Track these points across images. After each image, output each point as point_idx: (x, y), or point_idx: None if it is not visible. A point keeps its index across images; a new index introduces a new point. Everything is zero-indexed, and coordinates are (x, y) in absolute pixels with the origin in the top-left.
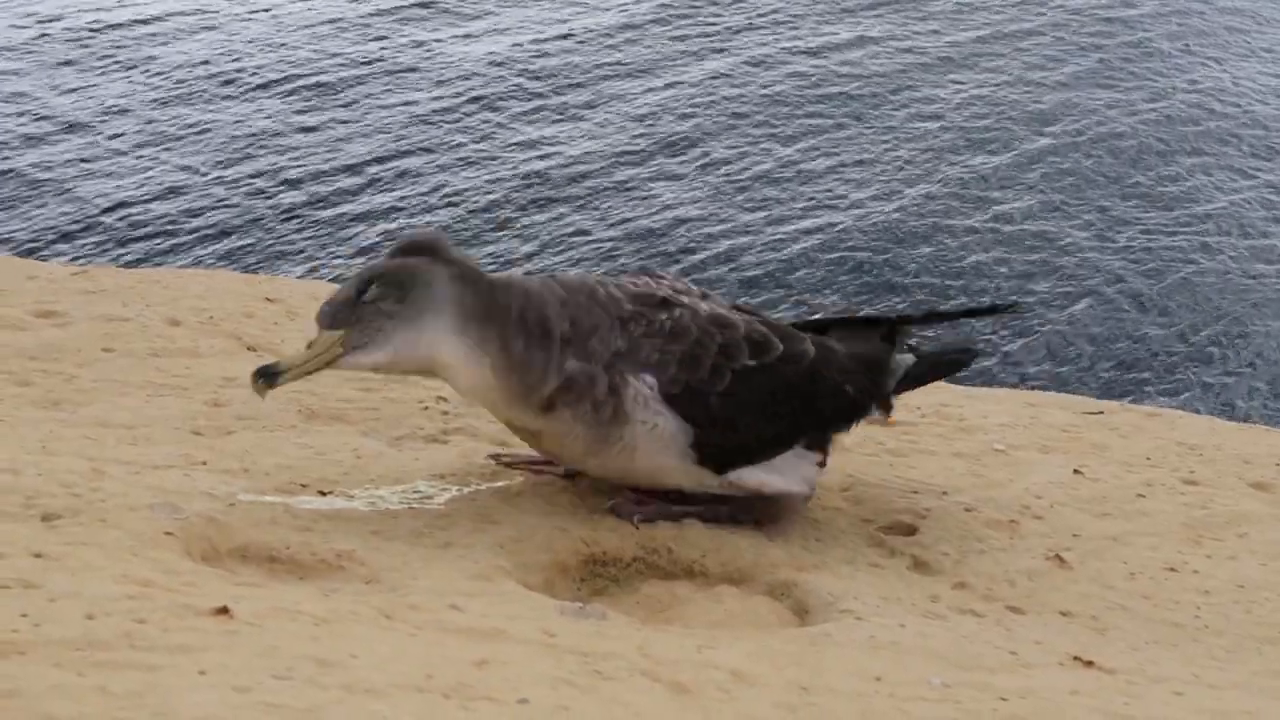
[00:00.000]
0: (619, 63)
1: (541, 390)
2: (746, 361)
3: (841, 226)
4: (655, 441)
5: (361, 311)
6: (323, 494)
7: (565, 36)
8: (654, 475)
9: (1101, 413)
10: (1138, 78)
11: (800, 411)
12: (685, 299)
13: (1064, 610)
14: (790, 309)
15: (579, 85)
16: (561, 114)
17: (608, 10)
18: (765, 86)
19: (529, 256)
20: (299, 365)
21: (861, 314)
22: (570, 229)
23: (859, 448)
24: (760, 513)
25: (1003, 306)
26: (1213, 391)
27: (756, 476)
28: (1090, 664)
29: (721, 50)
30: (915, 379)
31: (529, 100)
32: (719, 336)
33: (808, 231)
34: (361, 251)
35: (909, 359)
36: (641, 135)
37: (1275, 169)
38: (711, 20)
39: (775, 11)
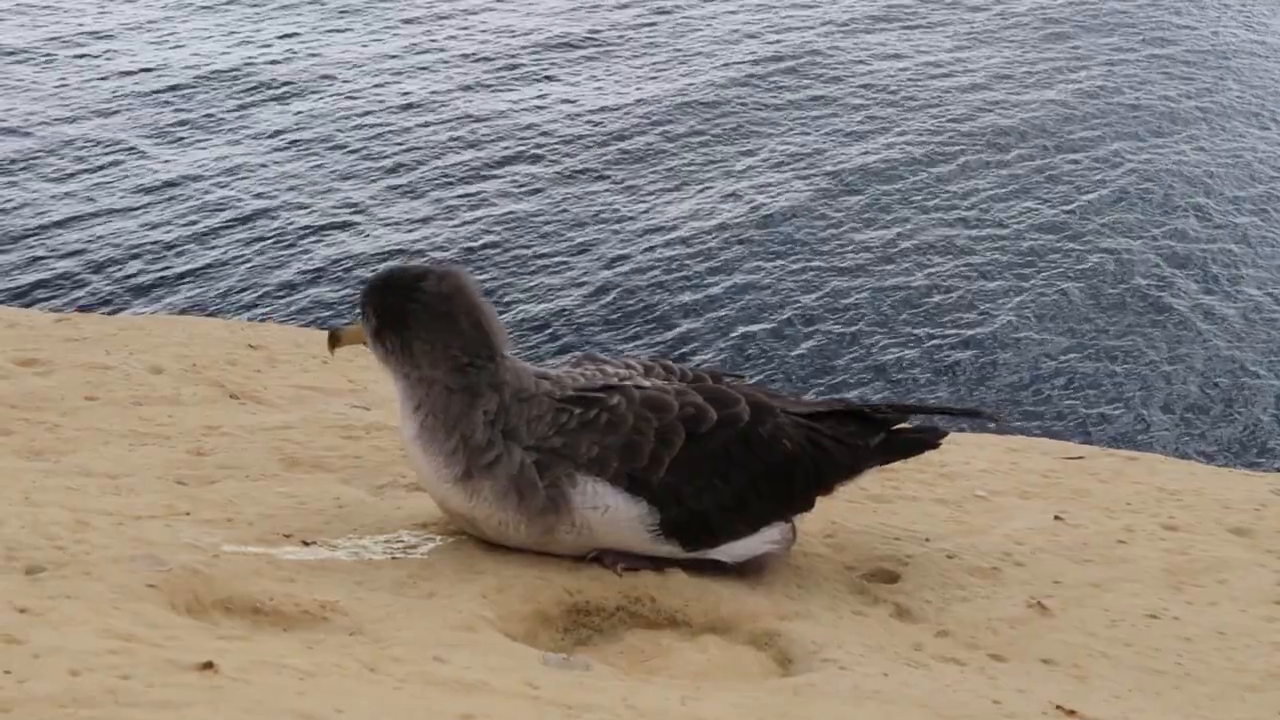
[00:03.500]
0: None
1: (459, 456)
2: (683, 442)
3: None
4: (611, 523)
5: (364, 316)
6: (306, 544)
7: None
8: (622, 547)
9: (1082, 458)
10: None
11: (745, 467)
12: (628, 382)
13: (1046, 658)
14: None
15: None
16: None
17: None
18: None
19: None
20: (350, 334)
21: (841, 405)
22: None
23: (843, 494)
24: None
25: (984, 414)
26: (1193, 435)
27: (722, 551)
28: (1073, 713)
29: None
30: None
31: (525, 151)
32: (655, 422)
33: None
34: (348, 297)
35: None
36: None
37: (1263, 221)
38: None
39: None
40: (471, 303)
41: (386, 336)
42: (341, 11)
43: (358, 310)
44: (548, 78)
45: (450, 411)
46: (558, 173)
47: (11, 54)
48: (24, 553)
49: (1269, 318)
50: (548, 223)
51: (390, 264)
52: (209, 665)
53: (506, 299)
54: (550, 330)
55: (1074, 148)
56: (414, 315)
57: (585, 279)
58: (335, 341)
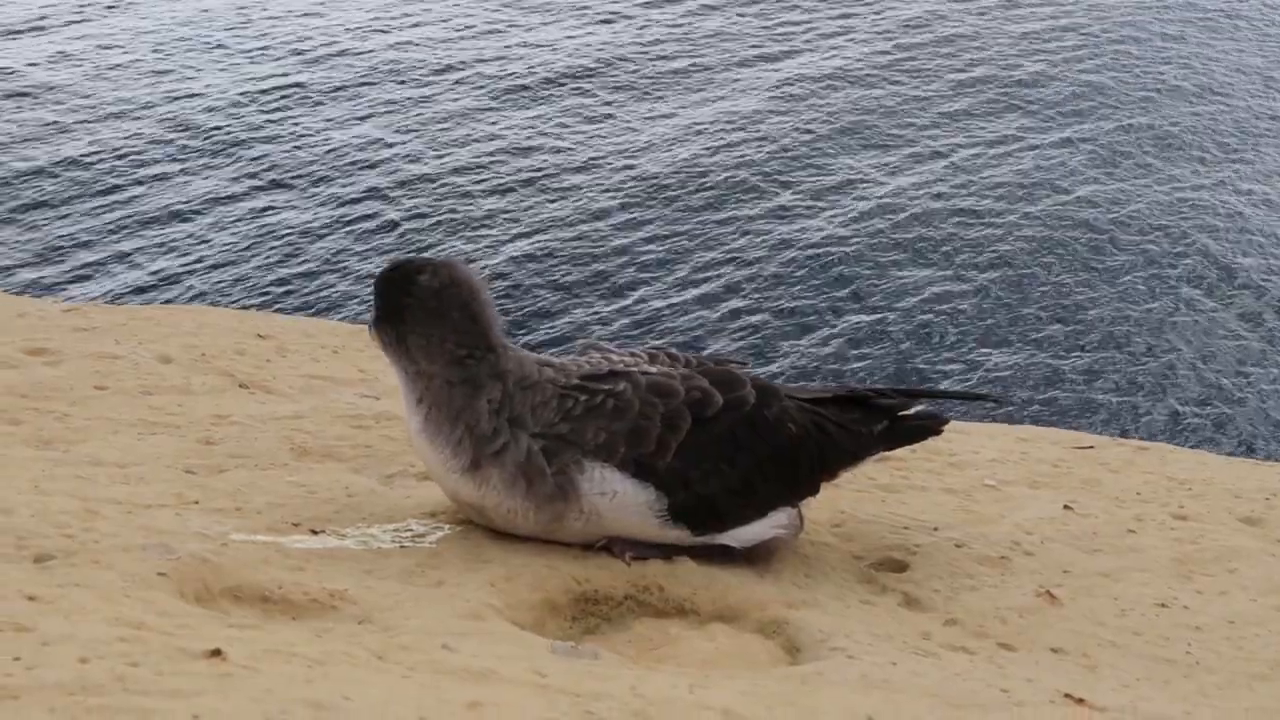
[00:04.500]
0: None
1: (465, 446)
2: (689, 426)
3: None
4: (619, 509)
5: (375, 316)
6: (315, 533)
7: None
8: (631, 534)
9: (1092, 447)
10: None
11: (751, 450)
12: (633, 369)
13: (1055, 647)
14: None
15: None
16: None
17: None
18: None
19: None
20: None
21: (845, 391)
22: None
23: (850, 483)
24: (750, 550)
25: (983, 396)
26: (1204, 424)
27: (730, 535)
28: (1081, 701)
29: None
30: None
31: (539, 140)
32: (661, 407)
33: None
34: (357, 283)
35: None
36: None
37: (1266, 208)
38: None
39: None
40: (465, 296)
41: (384, 329)
42: (360, 8)
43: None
44: (570, 93)
45: (453, 404)
46: (572, 166)
47: (17, 33)
48: (34, 541)
49: None
50: (561, 216)
51: (401, 255)
52: (218, 653)
53: (514, 294)
54: (570, 320)
55: (1089, 138)
56: (408, 310)
57: (615, 272)
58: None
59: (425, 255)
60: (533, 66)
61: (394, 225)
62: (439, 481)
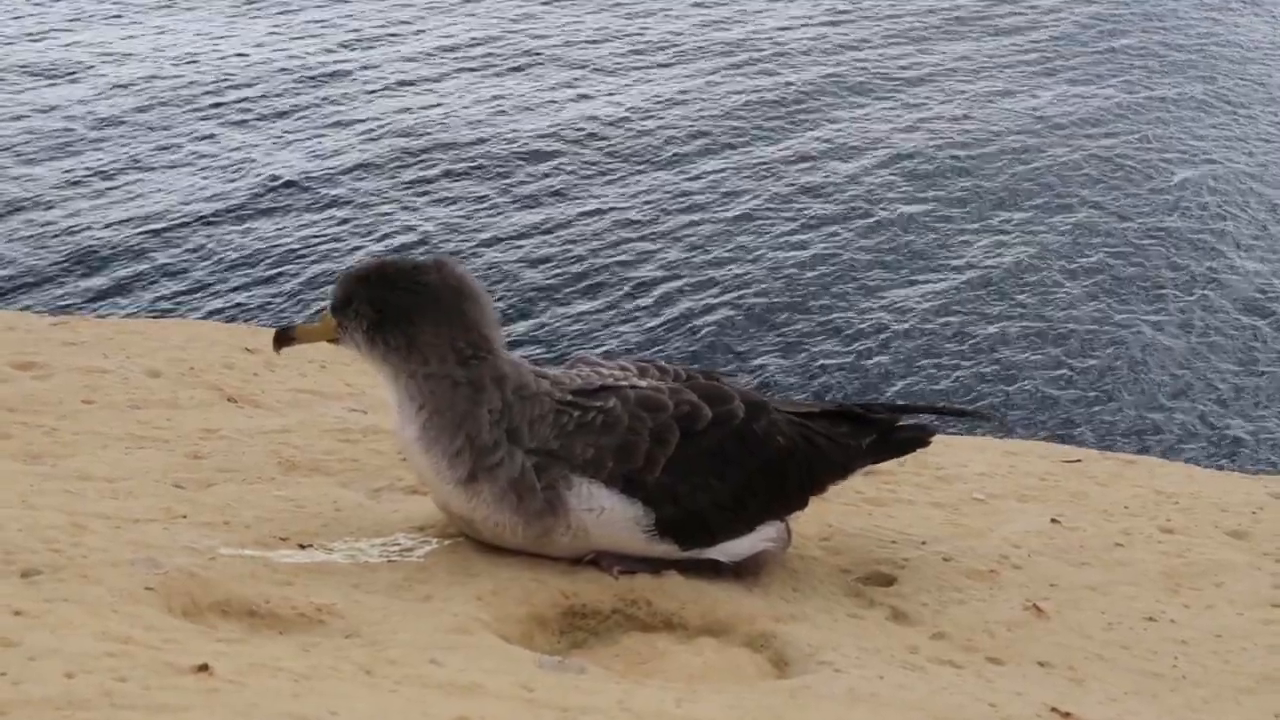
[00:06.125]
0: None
1: (464, 458)
2: (677, 441)
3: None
4: (607, 525)
5: (347, 313)
6: (303, 547)
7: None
8: (619, 548)
9: (1080, 461)
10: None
11: (739, 465)
12: (623, 383)
13: (1042, 661)
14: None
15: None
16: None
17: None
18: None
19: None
20: (308, 332)
21: (833, 405)
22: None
23: (838, 497)
24: (738, 564)
25: (974, 413)
26: (1191, 438)
27: (718, 550)
28: (1068, 715)
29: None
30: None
31: (519, 161)
32: (650, 421)
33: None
34: None
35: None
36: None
37: (1238, 231)
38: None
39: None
40: (475, 291)
41: (389, 333)
42: (346, 14)
43: (336, 307)
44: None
45: (456, 408)
46: (557, 171)
47: (11, 40)
48: (21, 556)
49: (1269, 320)
50: (533, 220)
51: (369, 258)
52: (205, 668)
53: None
54: (540, 324)
55: (1087, 146)
56: (421, 308)
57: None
58: (287, 341)
59: (404, 256)
60: (534, 76)
61: (382, 240)
62: (430, 490)
